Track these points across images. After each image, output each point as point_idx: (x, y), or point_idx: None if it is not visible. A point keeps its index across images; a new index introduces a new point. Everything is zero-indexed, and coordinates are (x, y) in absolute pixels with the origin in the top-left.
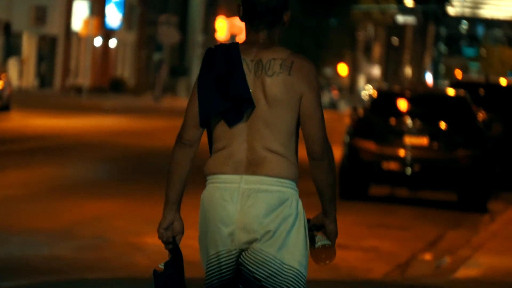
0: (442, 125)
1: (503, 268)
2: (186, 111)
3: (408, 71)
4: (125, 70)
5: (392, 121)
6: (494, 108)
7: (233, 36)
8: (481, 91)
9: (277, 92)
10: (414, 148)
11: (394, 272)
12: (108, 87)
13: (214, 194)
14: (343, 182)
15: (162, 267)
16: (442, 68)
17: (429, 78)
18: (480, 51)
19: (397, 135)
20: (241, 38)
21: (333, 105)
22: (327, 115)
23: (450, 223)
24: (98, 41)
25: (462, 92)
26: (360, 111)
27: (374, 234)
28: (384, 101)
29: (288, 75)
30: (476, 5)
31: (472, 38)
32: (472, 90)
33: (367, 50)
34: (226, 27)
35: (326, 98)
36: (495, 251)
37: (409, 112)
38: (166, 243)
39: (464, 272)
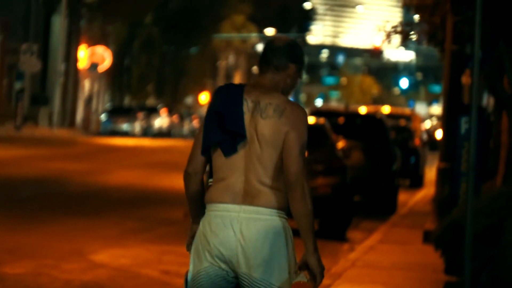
0: None
1: None
2: (193, 143)
3: None
4: None
5: None
6: (354, 136)
7: (94, 65)
8: (341, 119)
9: (266, 133)
10: None
11: None
12: None
13: (214, 220)
14: None
15: None
16: (303, 96)
17: None
18: (341, 80)
19: None
20: (102, 67)
21: (194, 134)
22: (187, 143)
23: None
24: None
25: (321, 120)
26: None
27: None
28: None
29: (278, 119)
30: (336, 34)
31: (332, 67)
32: (332, 118)
33: (228, 79)
34: (87, 56)
35: (187, 127)
36: (354, 280)
37: None
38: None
39: None
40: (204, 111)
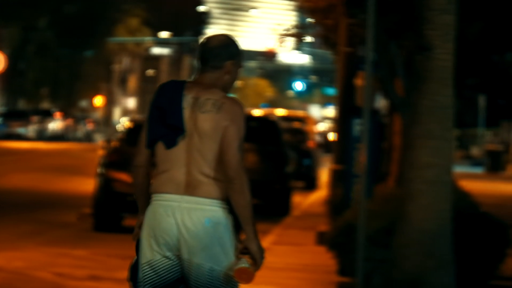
0: None
1: None
2: (139, 138)
3: None
4: None
5: None
6: (247, 138)
7: None
8: None
9: (205, 127)
10: None
11: None
12: None
13: (158, 209)
14: (97, 214)
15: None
16: None
17: None
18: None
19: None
20: None
21: (88, 138)
22: (81, 147)
23: None
24: None
25: None
26: (114, 143)
27: (127, 265)
28: (138, 132)
29: (216, 113)
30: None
31: None
32: None
33: (123, 82)
34: (2, 61)
35: (81, 130)
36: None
37: None
38: (137, 238)
39: None
40: (98, 114)
